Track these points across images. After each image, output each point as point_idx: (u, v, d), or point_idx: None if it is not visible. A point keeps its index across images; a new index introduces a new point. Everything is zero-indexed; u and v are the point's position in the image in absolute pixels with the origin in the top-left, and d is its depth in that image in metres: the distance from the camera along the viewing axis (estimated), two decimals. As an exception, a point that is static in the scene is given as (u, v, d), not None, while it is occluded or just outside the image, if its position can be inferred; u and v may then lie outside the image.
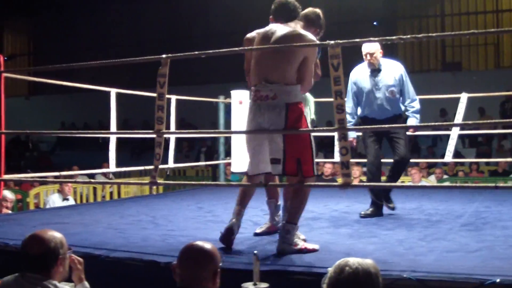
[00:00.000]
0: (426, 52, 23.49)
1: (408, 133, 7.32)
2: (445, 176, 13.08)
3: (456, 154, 12.83)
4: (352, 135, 7.14)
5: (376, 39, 5.69)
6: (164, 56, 5.36)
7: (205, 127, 17.41)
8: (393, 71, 7.02)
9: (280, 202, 5.88)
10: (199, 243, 3.14)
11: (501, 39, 22.63)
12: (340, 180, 4.86)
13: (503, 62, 22.73)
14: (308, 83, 5.16)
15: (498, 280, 3.82)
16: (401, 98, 7.04)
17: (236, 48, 5.31)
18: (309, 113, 6.60)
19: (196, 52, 5.60)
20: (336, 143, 5.24)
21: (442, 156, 10.33)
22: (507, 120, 5.90)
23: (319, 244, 5.13)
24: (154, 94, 5.45)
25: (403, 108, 7.07)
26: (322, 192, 9.47)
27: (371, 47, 6.93)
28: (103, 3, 25.72)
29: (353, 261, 2.62)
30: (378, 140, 7.06)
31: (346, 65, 4.88)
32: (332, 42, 4.73)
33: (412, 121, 7.02)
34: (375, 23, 23.27)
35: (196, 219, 6.95)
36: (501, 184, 10.61)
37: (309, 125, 5.33)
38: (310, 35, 5.11)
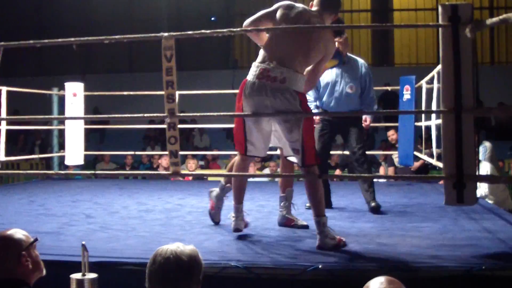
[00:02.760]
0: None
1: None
2: (279, 170, 13.27)
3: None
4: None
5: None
6: (-5, 45, 5.16)
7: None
8: (357, 67, 6.87)
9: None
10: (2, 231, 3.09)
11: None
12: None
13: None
14: (313, 82, 5.18)
15: (320, 266, 4.06)
16: (361, 96, 6.87)
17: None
18: None
19: (31, 41, 5.41)
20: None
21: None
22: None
23: (149, 235, 5.22)
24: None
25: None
26: (156, 184, 9.56)
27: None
28: None
29: (169, 249, 2.59)
30: (330, 134, 6.92)
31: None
32: (166, 34, 4.77)
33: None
34: (213, 18, 23.49)
35: (28, 213, 6.79)
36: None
37: None
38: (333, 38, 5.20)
